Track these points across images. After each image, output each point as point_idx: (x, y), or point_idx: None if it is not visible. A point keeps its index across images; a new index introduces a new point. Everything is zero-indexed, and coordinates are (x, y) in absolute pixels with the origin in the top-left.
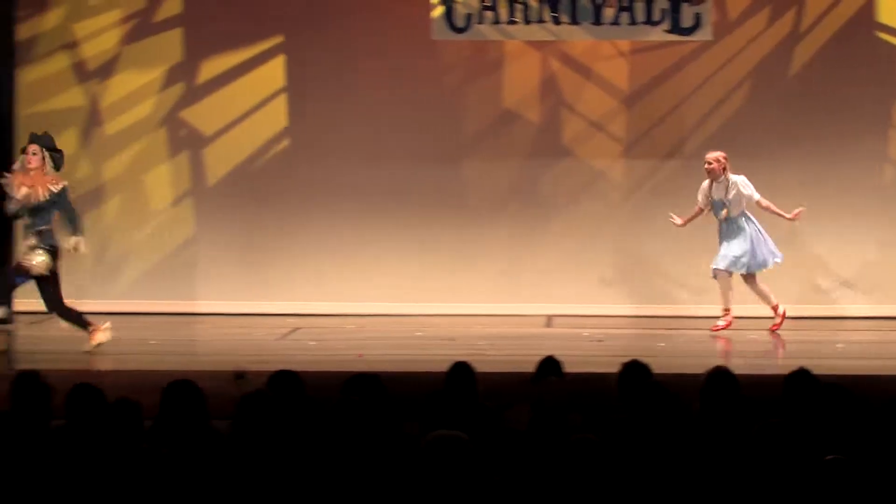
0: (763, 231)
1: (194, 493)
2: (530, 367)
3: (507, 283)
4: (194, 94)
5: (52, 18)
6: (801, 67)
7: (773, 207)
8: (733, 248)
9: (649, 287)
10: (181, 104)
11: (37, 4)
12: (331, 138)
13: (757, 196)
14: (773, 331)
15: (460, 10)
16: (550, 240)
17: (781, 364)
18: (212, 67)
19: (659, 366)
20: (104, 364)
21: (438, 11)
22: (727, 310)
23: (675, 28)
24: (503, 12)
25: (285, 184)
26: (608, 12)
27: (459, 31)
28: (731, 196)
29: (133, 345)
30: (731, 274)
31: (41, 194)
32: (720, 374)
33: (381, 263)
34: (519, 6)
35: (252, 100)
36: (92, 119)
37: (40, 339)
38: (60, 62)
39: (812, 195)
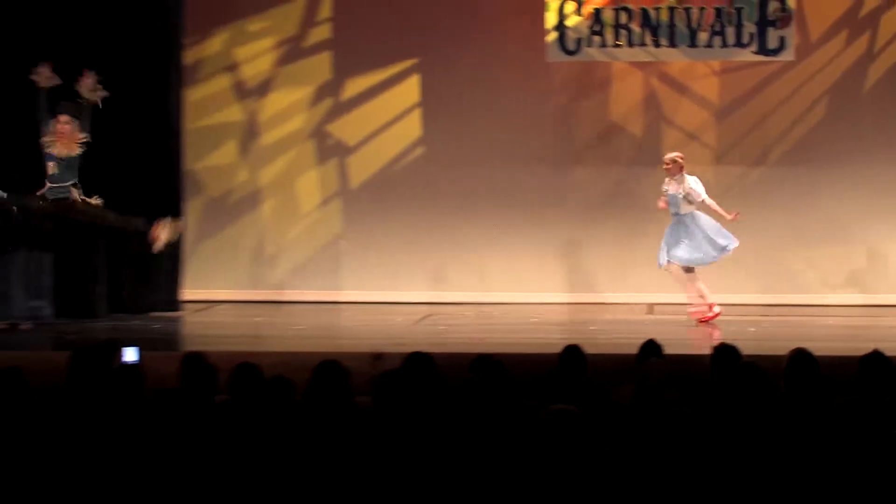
0: (711, 228)
1: (340, 461)
2: (633, 349)
3: (613, 275)
4: (340, 109)
5: (214, 44)
6: (875, 85)
7: (715, 207)
8: (681, 243)
9: (735, 278)
10: (328, 118)
11: (202, 33)
12: (459, 147)
13: (703, 196)
14: (701, 321)
15: (572, 35)
16: (650, 237)
17: (856, 347)
18: (355, 85)
19: (747, 348)
20: (261, 346)
21: (552, 36)
22: (709, 304)
23: (762, 50)
24: (609, 37)
25: (419, 187)
26: (702, 36)
27: (571, 53)
28: (683, 193)
29: (286, 329)
30: (689, 269)
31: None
32: (801, 356)
33: (502, 256)
34: (623, 31)
35: (390, 113)
36: (250, 132)
37: (205, 325)
38: (222, 83)
39: (886, 202)
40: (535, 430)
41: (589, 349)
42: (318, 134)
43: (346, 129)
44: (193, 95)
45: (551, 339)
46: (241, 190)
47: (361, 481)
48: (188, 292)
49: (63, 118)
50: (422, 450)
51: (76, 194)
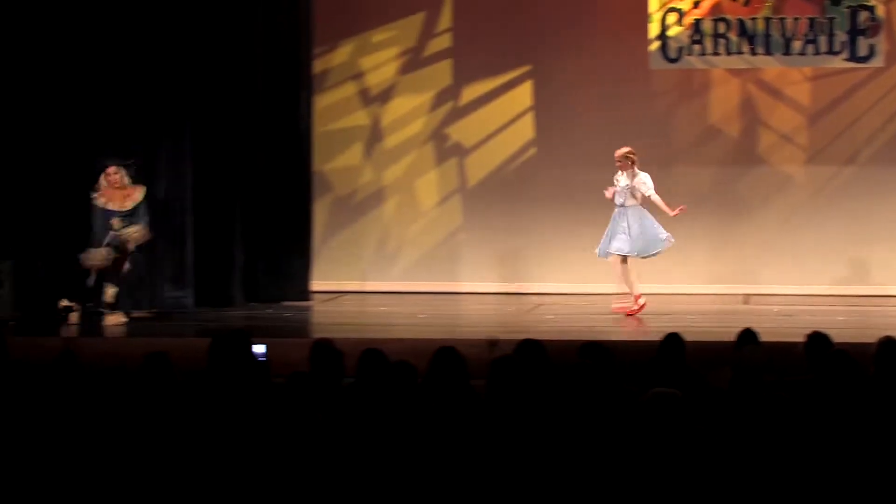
0: (652, 222)
1: (456, 440)
2: (730, 337)
3: (711, 268)
4: (458, 114)
5: (342, 55)
6: None
7: (661, 204)
8: (619, 235)
9: (830, 269)
10: (447, 121)
11: (330, 44)
12: (567, 148)
13: (651, 192)
14: (628, 315)
15: (673, 44)
16: (746, 232)
17: None
18: (473, 91)
19: (839, 336)
20: (384, 333)
21: (655, 46)
22: (636, 295)
23: (853, 57)
24: (709, 46)
25: (531, 185)
26: (796, 45)
27: (672, 61)
28: (632, 186)
29: (407, 318)
30: (625, 259)
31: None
32: (890, 343)
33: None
34: (722, 41)
35: (505, 117)
36: (374, 135)
37: (333, 314)
38: (348, 90)
39: None
40: (638, 412)
41: (688, 336)
42: (438, 136)
43: (464, 131)
44: (322, 102)
45: (653, 327)
46: (366, 189)
47: (476, 459)
48: (317, 283)
49: (111, 169)
50: (532, 430)
51: (132, 244)
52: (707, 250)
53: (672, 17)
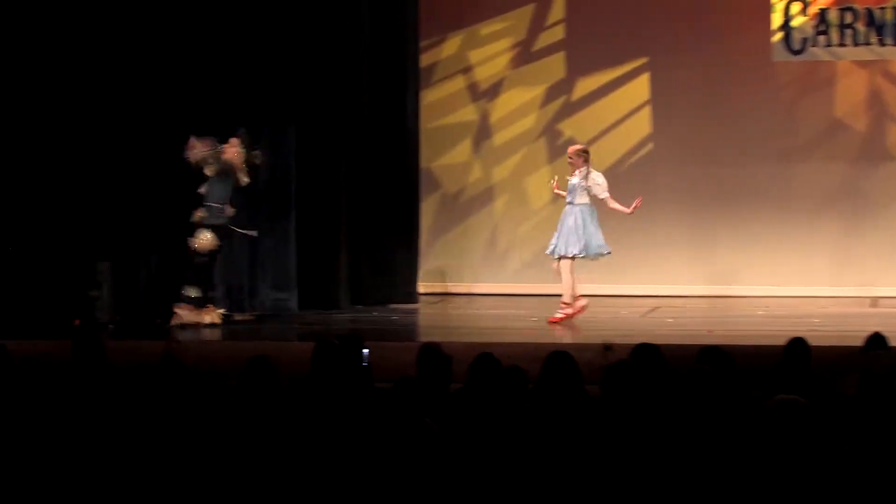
0: (596, 224)
1: (570, 446)
2: (858, 341)
3: (836, 269)
4: (571, 108)
5: (449, 48)
6: None
7: (614, 205)
8: (562, 234)
9: None
10: (559, 117)
11: (437, 37)
12: (686, 144)
13: (606, 195)
14: (552, 322)
15: (797, 35)
16: (874, 233)
17: None
18: (586, 84)
19: None
20: (494, 337)
21: (778, 37)
22: (576, 297)
23: None
24: (835, 36)
25: (648, 182)
26: None
27: (796, 53)
28: (585, 184)
29: (518, 321)
30: (573, 259)
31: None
32: None
33: (726, 250)
34: (849, 31)
35: (621, 111)
36: (483, 131)
37: (440, 316)
38: (457, 84)
39: None
40: (763, 420)
41: (813, 341)
42: (550, 132)
43: (577, 127)
44: (429, 97)
45: (776, 331)
46: (475, 187)
47: (590, 468)
48: (424, 285)
49: (233, 140)
50: (649, 438)
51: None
52: (831, 250)
53: (796, 7)
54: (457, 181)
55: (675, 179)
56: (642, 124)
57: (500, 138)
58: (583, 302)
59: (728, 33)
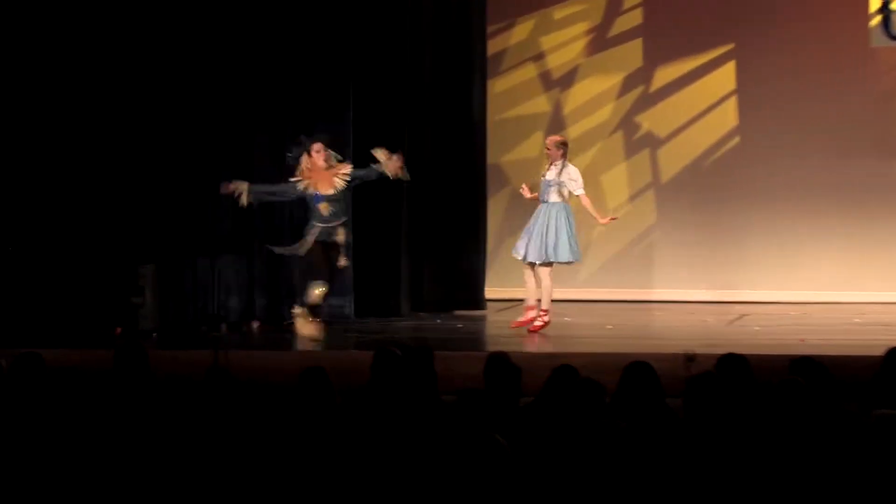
0: (573, 228)
1: (650, 463)
2: None
3: None
4: (650, 99)
5: (519, 34)
6: None
7: (590, 207)
8: (527, 237)
9: None
10: (637, 108)
11: (505, 21)
12: (776, 138)
13: (581, 191)
14: (514, 325)
15: None
16: None
17: None
18: (666, 73)
19: None
20: (568, 346)
21: (876, 21)
22: (531, 307)
23: None
24: None
25: (735, 179)
26: None
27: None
28: (559, 180)
29: (593, 329)
30: (534, 265)
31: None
32: None
33: (820, 253)
34: None
35: (704, 102)
36: (555, 124)
37: (508, 325)
38: (527, 73)
39: None
40: (861, 437)
41: None
42: (627, 125)
43: (657, 119)
44: (497, 86)
45: (873, 340)
46: None
47: (673, 487)
48: (492, 290)
49: (317, 146)
50: (737, 456)
51: (342, 236)
52: None
53: None
54: (527, 177)
55: (764, 176)
56: (728, 116)
57: (573, 131)
58: (533, 313)
59: (821, 17)
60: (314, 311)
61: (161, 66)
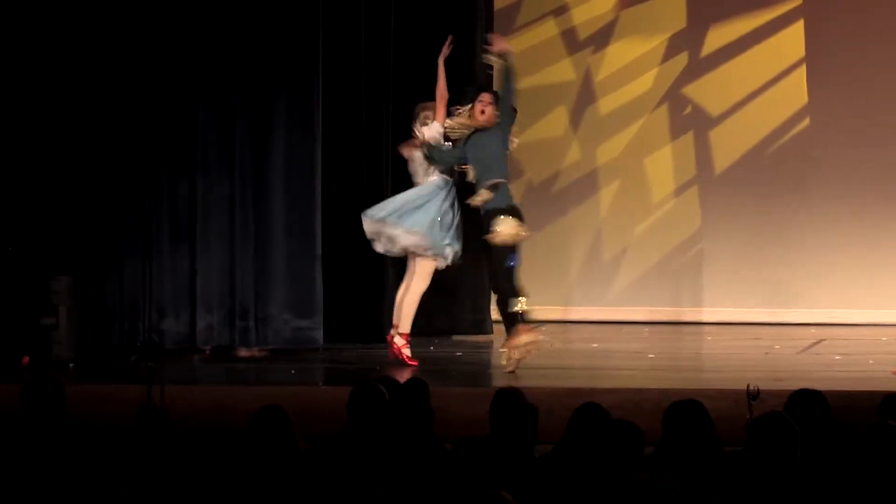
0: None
1: None
2: None
3: None
4: (699, 67)
5: None
6: None
7: None
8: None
9: None
10: (684, 78)
11: None
12: (855, 119)
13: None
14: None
15: None
16: None
17: None
18: (719, 36)
19: None
20: (596, 381)
21: None
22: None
23: None
24: None
25: (805, 171)
26: None
27: None
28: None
29: (629, 358)
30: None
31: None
32: None
33: None
34: None
35: (766, 74)
36: (584, 96)
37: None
38: (547, 31)
39: None
40: None
41: None
42: (672, 99)
43: (708, 93)
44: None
45: None
46: (572, 173)
47: None
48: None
49: (486, 96)
50: None
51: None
52: None
53: None
54: (548, 165)
55: (842, 168)
56: (795, 92)
57: (606, 105)
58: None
59: None
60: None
61: (81, 35)
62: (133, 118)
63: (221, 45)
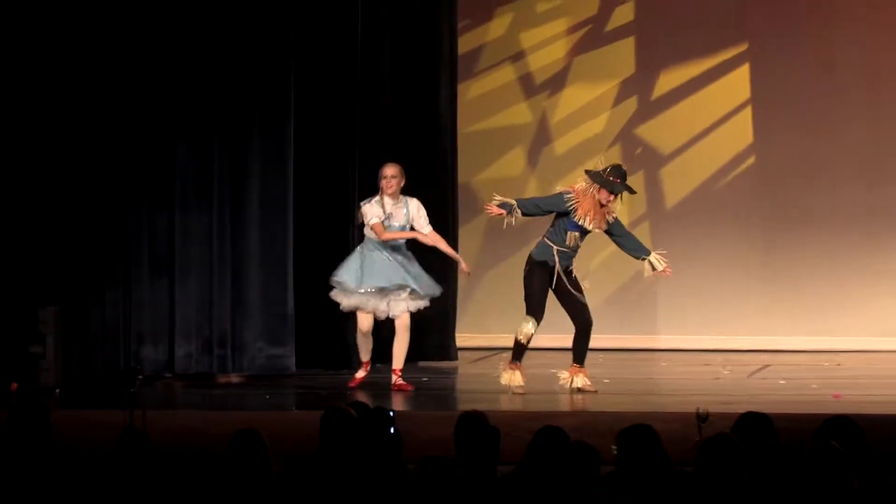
0: None
1: None
2: None
3: None
4: (650, 109)
5: (496, 28)
6: None
7: (443, 246)
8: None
9: None
10: (635, 120)
11: (481, 14)
12: (801, 155)
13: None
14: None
15: None
16: None
17: None
18: (669, 80)
19: None
20: (555, 405)
21: None
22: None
23: None
24: None
25: (751, 206)
26: None
27: None
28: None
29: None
30: None
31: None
32: None
33: (858, 293)
34: None
35: (714, 114)
36: (540, 137)
37: (485, 378)
38: (506, 76)
39: None
40: None
41: None
42: (624, 140)
43: (658, 134)
44: (470, 92)
45: None
46: None
47: None
48: (463, 337)
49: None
50: None
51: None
52: None
53: None
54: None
55: (786, 203)
56: (742, 131)
57: (561, 146)
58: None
59: (852, 9)
60: (518, 353)
61: (62, 64)
62: (115, 155)
63: (199, 84)
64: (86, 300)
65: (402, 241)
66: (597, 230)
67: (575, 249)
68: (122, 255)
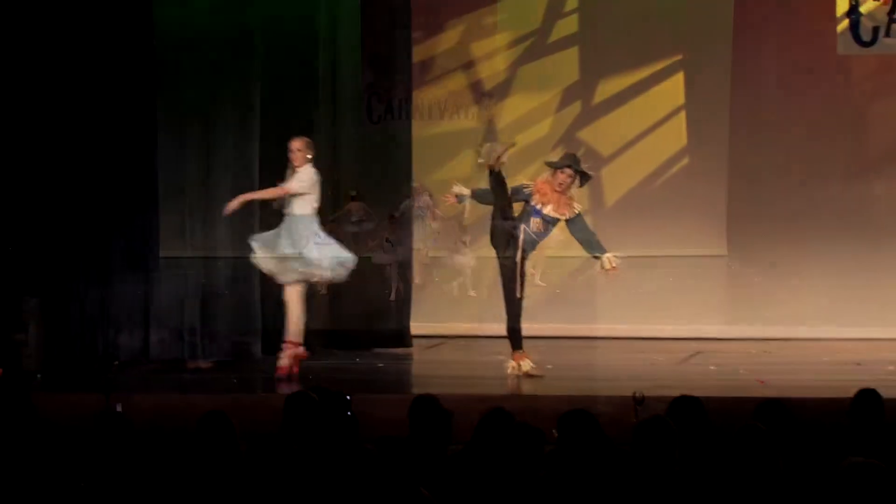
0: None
1: None
2: None
3: None
4: (591, 114)
5: (447, 39)
6: None
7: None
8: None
9: None
10: (578, 124)
11: (433, 26)
12: (730, 158)
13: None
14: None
15: (867, 23)
16: None
17: None
18: (609, 87)
19: None
20: (502, 388)
21: (844, 25)
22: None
23: None
24: None
25: (684, 203)
26: None
27: (866, 45)
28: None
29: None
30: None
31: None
32: None
33: (783, 285)
34: None
35: (650, 118)
36: (488, 140)
37: (437, 363)
38: (455, 83)
39: None
40: (832, 487)
41: (887, 393)
42: (568, 142)
43: (599, 137)
44: (422, 99)
45: (843, 381)
46: (479, 207)
47: None
48: (418, 325)
49: (569, 171)
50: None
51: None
52: None
53: None
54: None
55: (716, 200)
56: (676, 134)
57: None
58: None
59: (781, 22)
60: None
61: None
62: (98, 145)
63: (184, 84)
64: (67, 291)
65: (298, 213)
66: (559, 216)
67: (539, 236)
68: (100, 251)
